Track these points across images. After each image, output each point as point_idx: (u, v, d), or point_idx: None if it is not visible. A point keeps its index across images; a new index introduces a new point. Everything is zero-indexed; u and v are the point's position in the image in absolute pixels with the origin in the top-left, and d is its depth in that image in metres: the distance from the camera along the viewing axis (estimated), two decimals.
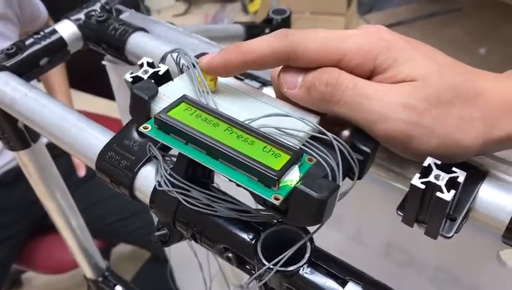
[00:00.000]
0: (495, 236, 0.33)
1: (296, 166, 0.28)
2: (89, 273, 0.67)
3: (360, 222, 0.49)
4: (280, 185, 0.27)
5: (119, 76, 0.59)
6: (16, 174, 1.11)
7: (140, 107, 0.32)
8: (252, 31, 0.77)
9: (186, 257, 0.65)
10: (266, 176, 0.26)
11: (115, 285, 0.67)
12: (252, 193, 0.28)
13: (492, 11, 2.66)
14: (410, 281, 0.48)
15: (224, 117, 0.30)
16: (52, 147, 0.65)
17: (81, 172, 1.16)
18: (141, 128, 0.30)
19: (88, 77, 1.17)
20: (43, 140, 0.54)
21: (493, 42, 2.43)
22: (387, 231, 0.46)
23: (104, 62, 0.58)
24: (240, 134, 0.29)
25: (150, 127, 0.29)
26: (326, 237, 0.37)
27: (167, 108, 0.30)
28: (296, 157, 0.28)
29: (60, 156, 1.09)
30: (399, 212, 0.32)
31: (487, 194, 0.32)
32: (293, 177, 0.27)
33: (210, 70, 0.33)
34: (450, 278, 0.45)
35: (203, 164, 0.28)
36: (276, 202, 0.26)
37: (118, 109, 0.64)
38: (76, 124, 0.40)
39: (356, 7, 2.65)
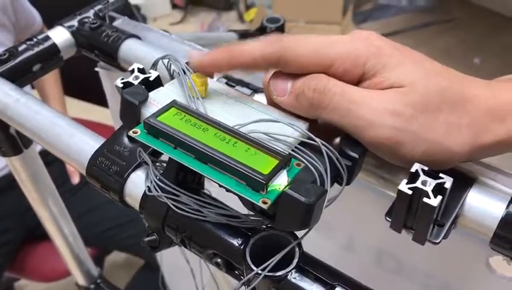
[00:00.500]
0: (484, 243, 0.33)
1: (285, 171, 0.28)
2: (81, 281, 0.67)
3: (352, 229, 0.49)
4: (268, 189, 0.27)
5: (112, 82, 0.59)
6: (10, 181, 1.11)
7: (130, 112, 0.32)
8: (246, 39, 0.77)
9: (178, 264, 0.65)
10: (254, 180, 0.27)
11: None
12: (240, 197, 0.28)
13: (486, 21, 2.68)
14: (401, 288, 0.48)
15: (214, 122, 0.30)
16: (45, 154, 0.65)
17: (75, 179, 1.16)
18: (131, 133, 0.30)
19: (82, 84, 1.17)
20: (36, 147, 0.54)
21: (487, 52, 2.44)
22: (378, 238, 0.47)
23: (97, 69, 0.58)
24: (229, 139, 0.29)
25: (139, 132, 0.30)
26: (318, 244, 0.37)
27: (157, 113, 0.30)
28: (284, 162, 0.28)
29: (54, 163, 1.09)
30: (387, 218, 0.32)
31: (475, 200, 0.32)
32: (281, 181, 0.27)
33: (199, 68, 0.33)
34: (440, 285, 0.45)
35: (192, 168, 0.28)
36: (264, 206, 0.26)
37: (110, 115, 0.64)
38: (68, 130, 0.40)
39: (352, 17, 2.67)
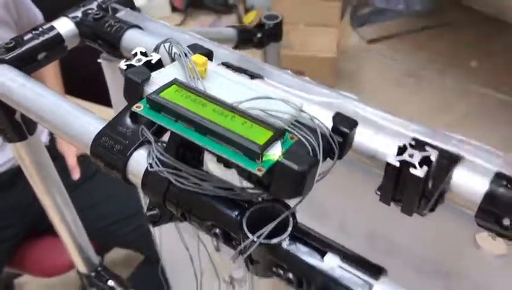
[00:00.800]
0: (472, 222, 0.35)
1: (279, 142, 0.29)
2: (82, 268, 0.68)
3: (344, 212, 0.51)
4: (263, 158, 0.29)
5: (114, 74, 0.61)
6: (12, 176, 1.12)
7: (133, 90, 0.34)
8: (244, 34, 0.79)
9: (177, 255, 0.66)
10: (250, 149, 0.28)
11: (108, 280, 0.68)
12: (237, 167, 0.30)
13: (482, 25, 2.71)
14: (393, 269, 0.49)
15: (213, 98, 0.32)
16: (47, 150, 0.66)
17: (76, 175, 1.17)
18: (134, 108, 0.31)
19: (85, 83, 1.19)
20: (42, 135, 0.56)
21: (483, 55, 2.46)
22: (370, 220, 0.48)
23: (99, 60, 0.60)
24: (227, 113, 0.31)
25: (142, 107, 0.31)
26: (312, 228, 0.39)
27: (159, 89, 0.32)
28: (278, 134, 0.30)
29: (55, 160, 1.11)
30: (377, 192, 0.34)
31: (461, 176, 0.34)
32: (275, 152, 0.29)
33: None
34: (432, 266, 0.46)
35: (192, 140, 0.30)
36: (260, 173, 0.28)
37: (113, 111, 0.66)
38: (72, 112, 0.42)
39: (349, 20, 2.69)
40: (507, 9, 2.70)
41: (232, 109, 0.31)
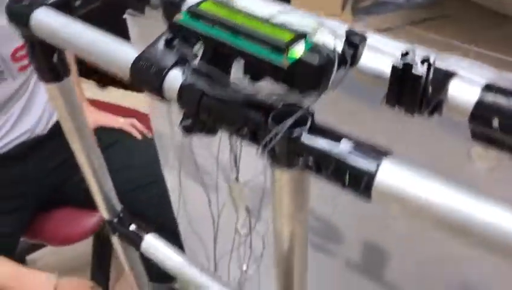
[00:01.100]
0: (467, 138, 0.40)
1: (302, 41, 0.35)
2: (106, 215, 0.73)
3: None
4: (288, 55, 0.34)
5: (139, 29, 0.66)
6: (29, 148, 1.16)
7: (172, 10, 0.39)
8: None
9: (193, 220, 0.71)
10: (277, 45, 0.33)
11: (130, 224, 0.73)
12: (265, 64, 0.35)
13: (481, 18, 2.76)
14: None
15: (243, 11, 0.37)
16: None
17: None
18: (175, 19, 0.37)
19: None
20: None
21: (482, 47, 2.51)
22: (376, 136, 0.53)
23: (125, 16, 0.65)
24: (256, 21, 0.36)
25: (182, 17, 0.37)
26: None
27: (197, 3, 0.37)
28: (301, 36, 0.35)
29: None
30: (384, 100, 0.39)
31: (455, 88, 0.39)
32: (298, 50, 0.34)
33: None
34: None
35: (227, 42, 0.35)
36: (285, 65, 0.33)
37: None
38: (112, 44, 0.47)
39: (350, 11, 2.75)
40: (507, 3, 2.75)
41: (261, 17, 0.36)
